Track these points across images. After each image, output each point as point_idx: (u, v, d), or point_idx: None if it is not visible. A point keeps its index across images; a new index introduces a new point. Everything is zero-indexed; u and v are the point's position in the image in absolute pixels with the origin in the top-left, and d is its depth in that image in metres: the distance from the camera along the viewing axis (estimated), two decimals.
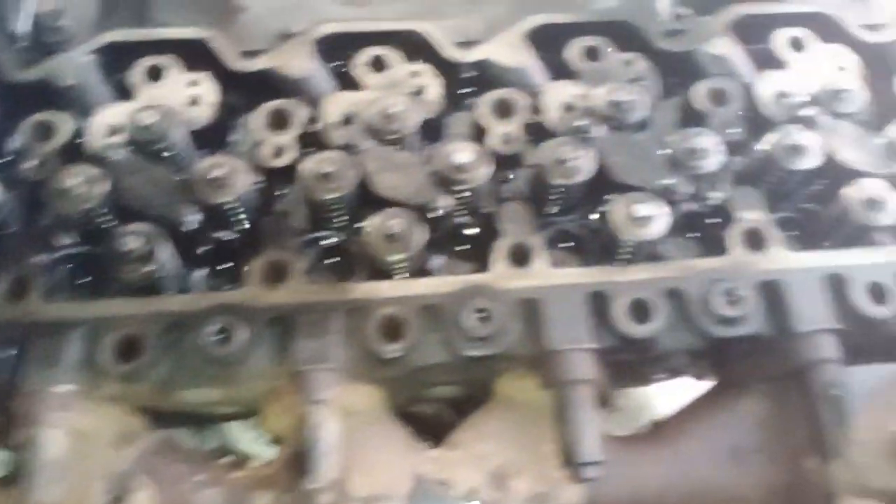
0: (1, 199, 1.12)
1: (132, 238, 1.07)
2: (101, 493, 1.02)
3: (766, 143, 1.21)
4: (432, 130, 1.26)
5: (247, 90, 1.27)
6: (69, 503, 0.99)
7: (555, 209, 1.20)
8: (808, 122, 1.22)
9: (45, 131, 1.20)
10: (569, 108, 1.24)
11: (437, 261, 1.20)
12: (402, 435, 1.15)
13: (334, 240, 1.18)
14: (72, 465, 1.01)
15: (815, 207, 1.27)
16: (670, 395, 1.51)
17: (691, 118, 1.28)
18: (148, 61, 1.25)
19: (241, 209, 1.16)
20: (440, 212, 1.14)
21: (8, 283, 1.08)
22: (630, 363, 1.19)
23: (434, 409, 1.32)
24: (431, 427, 1.27)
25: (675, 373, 1.32)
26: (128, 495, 1.02)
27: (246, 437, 1.80)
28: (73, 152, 1.19)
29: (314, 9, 1.42)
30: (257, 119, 1.22)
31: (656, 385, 1.49)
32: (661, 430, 1.19)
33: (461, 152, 1.15)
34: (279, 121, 1.22)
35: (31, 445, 0.99)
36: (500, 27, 1.35)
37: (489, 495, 1.09)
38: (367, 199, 1.16)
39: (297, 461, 1.04)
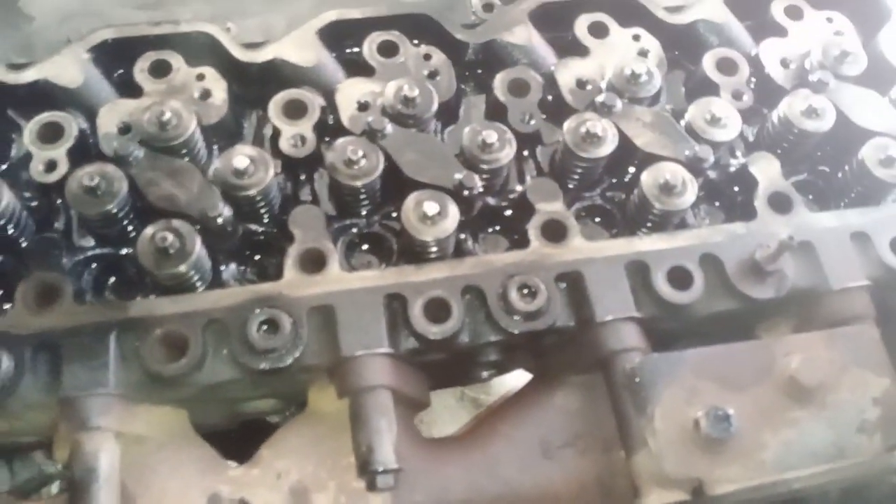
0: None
1: None
2: None
3: (564, 133, 1.20)
4: (231, 134, 1.22)
5: (22, 104, 1.19)
6: None
7: (353, 211, 1.17)
8: (603, 110, 1.22)
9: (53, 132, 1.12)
10: (362, 106, 1.21)
11: (231, 270, 1.15)
12: (200, 456, 1.08)
13: (115, 255, 1.11)
14: None
15: (621, 196, 1.26)
16: None
17: (496, 111, 1.27)
18: None
19: (8, 227, 1.08)
20: (222, 220, 1.09)
21: None
22: (443, 363, 1.16)
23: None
24: None
25: (498, 368, 1.30)
26: None
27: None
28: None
29: (104, 14, 1.35)
30: (29, 133, 1.14)
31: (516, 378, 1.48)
32: (473, 430, 1.16)
33: (240, 157, 1.09)
34: (52, 134, 1.14)
35: None
36: (302, 24, 1.32)
37: None
38: (147, 211, 1.10)
39: (77, 491, 0.97)
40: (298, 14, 1.38)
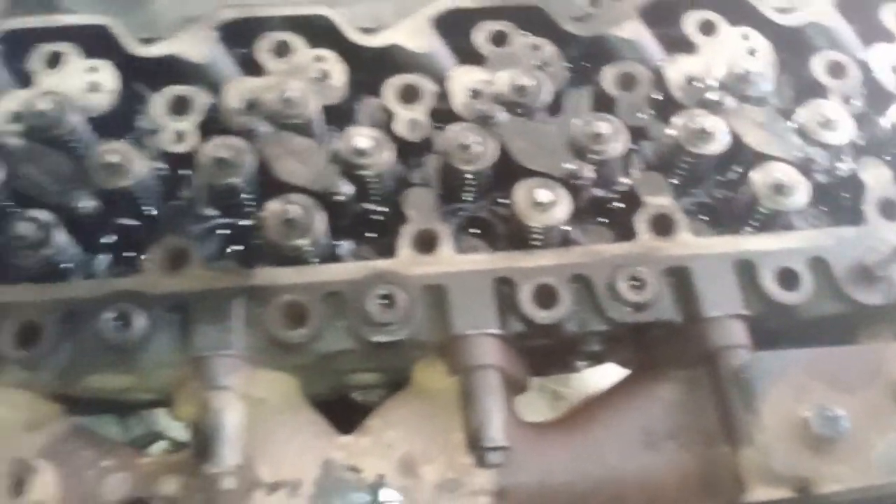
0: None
1: (25, 224, 1.04)
2: (3, 477, 1.00)
3: (673, 128, 1.22)
4: (341, 116, 1.25)
5: (150, 77, 1.24)
6: None
7: (462, 195, 1.20)
8: (714, 107, 1.23)
9: (181, 106, 1.18)
10: (474, 93, 1.24)
11: (346, 247, 1.19)
12: (313, 422, 1.13)
13: (237, 225, 1.16)
14: None
15: (727, 193, 1.27)
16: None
17: (602, 104, 1.29)
18: (46, 48, 1.22)
19: (141, 195, 1.14)
20: (343, 197, 1.13)
21: None
22: (544, 349, 1.18)
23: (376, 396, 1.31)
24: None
25: (596, 359, 1.32)
26: (29, 479, 1.00)
27: (175, 424, 1.76)
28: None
29: None
30: (158, 105, 1.19)
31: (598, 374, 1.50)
32: (573, 416, 1.19)
33: (361, 137, 1.14)
34: (180, 107, 1.20)
35: None
36: (411, 12, 1.35)
37: (398, 482, 1.08)
38: (268, 185, 1.15)
39: (203, 448, 1.02)
40: (406, 3, 1.42)
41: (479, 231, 1.21)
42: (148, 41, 1.24)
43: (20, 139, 1.12)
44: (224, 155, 1.10)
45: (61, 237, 1.08)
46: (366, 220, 1.19)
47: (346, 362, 1.14)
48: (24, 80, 1.24)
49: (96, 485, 1.06)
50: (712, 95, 1.23)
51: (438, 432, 1.11)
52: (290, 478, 1.07)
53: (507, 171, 1.18)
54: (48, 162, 1.12)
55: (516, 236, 1.16)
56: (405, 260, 1.12)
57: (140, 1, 1.40)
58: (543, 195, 1.11)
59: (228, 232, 1.16)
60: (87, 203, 1.09)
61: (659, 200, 1.19)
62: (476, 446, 1.04)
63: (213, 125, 1.20)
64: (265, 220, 1.09)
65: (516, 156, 1.16)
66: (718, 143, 1.20)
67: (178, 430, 1.80)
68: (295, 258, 1.11)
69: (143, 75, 1.25)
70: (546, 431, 1.16)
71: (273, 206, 1.10)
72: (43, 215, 1.08)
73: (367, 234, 1.20)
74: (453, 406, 1.10)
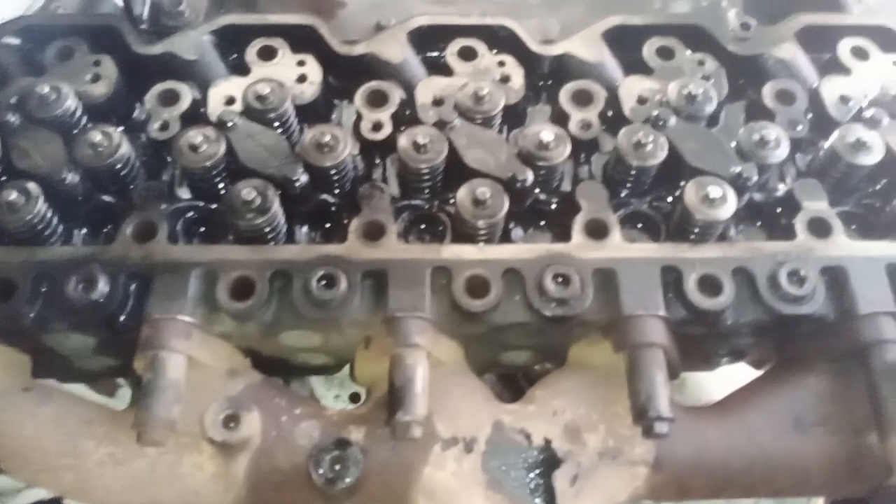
0: (129, 155, 1.25)
1: (250, 190, 1.19)
2: (216, 413, 1.12)
3: (831, 140, 1.30)
4: (514, 117, 1.38)
5: (347, 73, 1.39)
6: (185, 421, 1.10)
7: (629, 191, 1.30)
8: (871, 122, 1.31)
9: (170, 98, 1.33)
10: (642, 100, 1.35)
11: (518, 232, 1.30)
12: (481, 388, 1.24)
13: (425, 206, 1.29)
14: (188, 388, 1.12)
15: (877, 202, 1.34)
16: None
17: (757, 118, 1.37)
18: (261, 42, 1.38)
19: (343, 174, 1.27)
20: (523, 185, 1.24)
21: (135, 227, 1.21)
22: (695, 341, 1.26)
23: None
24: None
25: (738, 355, 1.39)
26: (241, 416, 1.12)
27: (329, 395, 1.89)
28: (192, 118, 1.32)
29: (405, 6, 1.55)
30: (359, 97, 1.34)
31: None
32: (727, 401, 1.26)
33: (546, 132, 1.25)
34: (377, 100, 1.34)
35: (155, 366, 1.10)
36: (575, 29, 1.47)
37: (563, 446, 1.17)
38: (455, 172, 1.27)
39: (387, 403, 1.13)
40: (571, 19, 1.55)
41: (643, 224, 1.31)
42: (351, 42, 1.39)
43: (240, 119, 1.28)
44: (423, 140, 1.23)
45: (276, 205, 1.21)
46: (538, 208, 1.30)
47: (513, 336, 1.24)
48: (232, 70, 1.41)
49: (290, 430, 1.18)
50: (870, 113, 1.31)
51: (601, 403, 1.21)
52: (465, 435, 1.18)
53: (675, 170, 1.28)
54: (264, 140, 1.27)
55: (677, 231, 1.26)
56: (577, 244, 1.22)
57: (331, 9, 1.57)
58: (715, 191, 1.20)
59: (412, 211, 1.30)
60: (300, 176, 1.23)
61: (816, 205, 1.27)
62: (643, 417, 1.12)
63: (400, 119, 1.35)
64: (459, 201, 1.22)
65: (686, 156, 1.26)
66: (874, 155, 1.28)
67: (328, 402, 1.89)
68: (480, 236, 1.23)
69: (341, 72, 1.40)
70: (702, 413, 1.24)
71: (465, 189, 1.22)
72: (264, 185, 1.21)
73: (538, 222, 1.31)
74: (615, 381, 1.19)
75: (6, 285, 1.15)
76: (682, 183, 1.25)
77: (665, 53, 1.40)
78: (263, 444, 1.15)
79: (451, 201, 1.28)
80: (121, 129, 1.27)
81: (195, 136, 1.24)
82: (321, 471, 1.09)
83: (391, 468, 1.15)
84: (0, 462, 1.15)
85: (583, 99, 1.35)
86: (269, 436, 1.16)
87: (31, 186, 1.19)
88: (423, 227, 1.30)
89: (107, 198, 1.27)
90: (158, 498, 1.15)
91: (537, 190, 1.28)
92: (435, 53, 1.42)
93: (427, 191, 1.29)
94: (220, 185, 1.28)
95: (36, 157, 1.22)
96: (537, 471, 1.16)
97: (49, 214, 1.20)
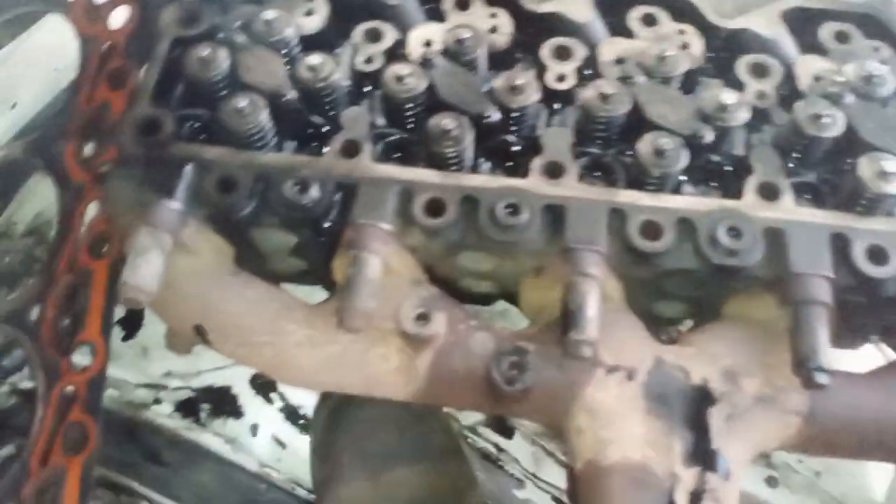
0: (340, 80, 1.38)
1: (450, 121, 1.30)
2: (410, 308, 1.24)
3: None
4: (690, 83, 1.46)
5: (533, 30, 1.50)
6: (382, 314, 1.22)
7: (799, 161, 1.36)
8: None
9: (375, 35, 1.46)
10: (818, 78, 1.41)
11: (689, 188, 1.38)
12: (641, 326, 1.32)
13: (601, 154, 1.38)
14: (383, 289, 1.24)
15: None
16: None
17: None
18: None
19: (528, 117, 1.38)
20: (702, 142, 1.32)
21: (342, 144, 1.34)
22: (855, 310, 1.30)
23: None
24: None
25: (889, 332, 1.42)
26: (430, 315, 1.24)
27: None
28: (393, 56, 1.45)
29: None
30: (545, 50, 1.44)
31: None
32: (881, 370, 1.31)
33: (728, 94, 1.33)
34: (562, 54, 1.44)
35: (357, 265, 1.22)
36: (748, 9, 1.54)
37: (720, 387, 1.24)
38: (634, 125, 1.36)
39: (561, 324, 1.22)
40: (745, 1, 1.62)
41: (808, 196, 1.37)
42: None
43: (440, 58, 1.40)
44: (610, 91, 1.33)
45: (470, 137, 1.32)
46: (710, 168, 1.38)
47: (675, 284, 1.32)
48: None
49: (467, 337, 1.29)
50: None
51: (759, 354, 1.27)
52: (627, 364, 1.26)
53: (855, 145, 1.33)
54: (462, 79, 1.38)
55: (847, 202, 1.31)
56: (749, 203, 1.29)
57: None
58: (891, 166, 1.26)
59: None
60: (493, 114, 1.34)
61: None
62: (804, 367, 1.18)
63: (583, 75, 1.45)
64: (639, 150, 1.31)
65: (864, 134, 1.31)
66: None
67: None
68: (654, 185, 1.32)
69: (527, 28, 1.51)
70: (857, 377, 1.29)
71: (648, 138, 1.31)
72: (461, 119, 1.33)
73: (710, 182, 1.39)
74: (775, 335, 1.25)
75: (228, 181, 1.30)
76: (853, 159, 1.31)
77: (841, 37, 1.46)
78: (443, 346, 1.26)
79: (628, 152, 1.38)
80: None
81: (402, 68, 1.36)
82: (501, 371, 1.20)
83: (557, 383, 1.24)
84: (207, 333, 1.30)
85: (760, 71, 1.42)
86: (449, 340, 1.26)
87: (258, 97, 1.34)
88: (597, 174, 1.39)
89: (316, 117, 1.41)
90: (344, 381, 1.27)
91: (712, 150, 1.36)
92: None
93: (605, 139, 1.38)
94: (416, 116, 1.40)
95: (261, 74, 1.37)
96: (694, 406, 1.23)
97: (269, 125, 1.35)
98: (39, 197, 1.74)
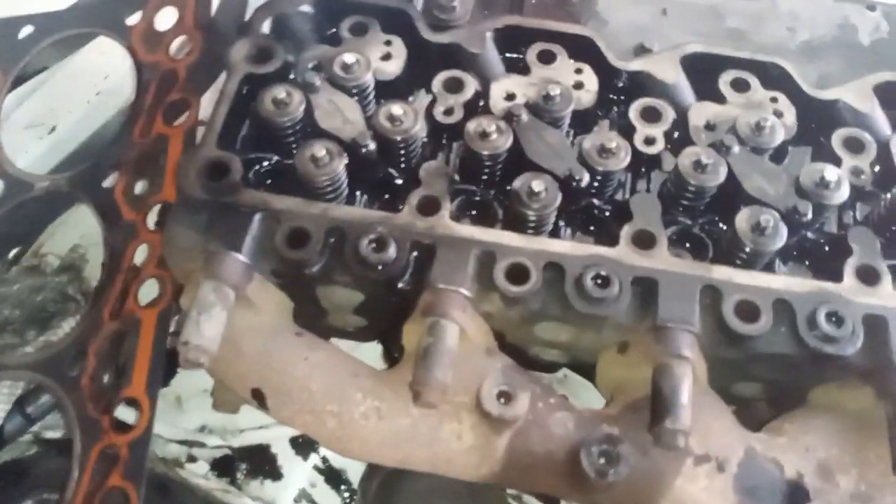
0: (421, 132, 1.31)
1: (538, 183, 1.23)
2: (492, 386, 1.16)
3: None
4: (780, 154, 1.40)
5: (619, 88, 1.44)
6: (455, 386, 1.13)
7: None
8: None
9: (455, 86, 1.39)
10: None
11: (782, 266, 1.32)
12: (728, 411, 1.24)
13: (690, 223, 1.32)
14: (457, 358, 1.15)
15: None
16: None
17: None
18: (540, 46, 1.44)
19: (616, 181, 1.32)
20: (801, 219, 1.26)
21: (420, 200, 1.26)
22: None
23: None
24: None
25: None
26: (513, 394, 1.15)
27: None
28: (473, 108, 1.38)
29: (665, 33, 1.60)
30: (633, 111, 1.38)
31: None
32: None
33: (830, 170, 1.27)
34: (651, 115, 1.38)
35: (436, 332, 1.14)
36: (832, 81, 1.49)
37: (815, 483, 1.16)
38: (729, 196, 1.30)
39: (652, 410, 1.14)
40: (828, 70, 1.58)
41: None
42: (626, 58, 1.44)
43: (525, 114, 1.33)
44: (706, 161, 1.26)
45: (558, 199, 1.25)
46: (806, 245, 1.31)
47: (764, 367, 1.24)
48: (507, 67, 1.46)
49: (546, 416, 1.20)
50: None
51: (853, 448, 1.20)
52: (718, 454, 1.18)
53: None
54: (547, 136, 1.31)
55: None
56: (850, 287, 1.22)
57: (594, 24, 1.63)
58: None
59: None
60: (583, 176, 1.27)
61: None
62: None
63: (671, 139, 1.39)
64: (738, 225, 1.23)
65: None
66: None
67: None
68: (747, 260, 1.24)
69: (612, 85, 1.44)
70: None
71: (746, 214, 1.24)
72: (549, 179, 1.25)
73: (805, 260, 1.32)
74: (870, 427, 1.19)
75: (300, 234, 1.21)
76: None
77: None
78: (522, 426, 1.17)
79: (720, 224, 1.31)
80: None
81: (489, 124, 1.29)
82: (592, 461, 1.11)
83: (644, 473, 1.15)
84: (266, 398, 1.20)
85: (854, 146, 1.37)
86: (527, 419, 1.18)
87: (336, 147, 1.26)
88: (687, 245, 1.33)
89: (392, 169, 1.33)
90: (412, 457, 1.18)
91: (808, 228, 1.30)
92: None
93: (693, 208, 1.31)
94: (494, 173, 1.33)
95: (339, 121, 1.29)
96: (787, 502, 1.16)
97: (344, 175, 1.27)
98: (74, 227, 1.65)
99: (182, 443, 1.55)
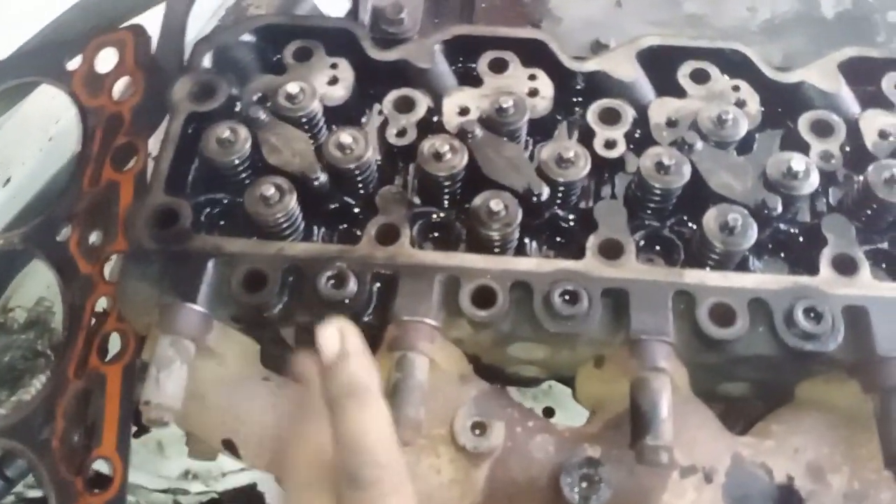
0: (374, 158, 1.27)
1: (498, 202, 1.19)
2: (465, 419, 1.13)
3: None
4: (745, 144, 1.35)
5: (576, 90, 1.40)
6: (432, 422, 1.10)
7: (871, 227, 1.26)
8: None
9: (407, 105, 1.35)
10: (884, 135, 1.30)
11: (757, 262, 1.27)
12: (712, 418, 1.21)
13: (657, 226, 1.28)
14: (429, 390, 1.12)
15: None
16: None
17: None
18: (492, 55, 1.39)
19: (577, 189, 1.27)
20: (770, 213, 1.22)
21: (378, 229, 1.22)
22: None
23: None
24: None
25: None
26: (488, 424, 1.12)
27: None
28: (427, 126, 1.34)
29: (622, 26, 1.55)
30: (591, 113, 1.34)
31: None
32: None
33: (797, 160, 1.23)
34: (610, 117, 1.34)
35: (404, 367, 1.10)
36: (797, 60, 1.45)
37: (805, 486, 1.13)
38: (695, 194, 1.26)
39: (631, 426, 1.11)
40: (792, 48, 1.54)
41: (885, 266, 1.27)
42: (580, 59, 1.39)
43: (479, 129, 1.29)
44: (667, 162, 1.22)
45: (518, 217, 1.21)
46: (779, 238, 1.27)
47: (746, 368, 1.20)
48: (460, 79, 1.41)
49: (526, 441, 1.17)
50: None
51: (843, 445, 1.17)
52: (704, 464, 1.15)
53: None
54: (503, 151, 1.26)
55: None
56: (826, 279, 1.18)
57: (546, 25, 1.58)
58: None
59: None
60: (543, 191, 1.23)
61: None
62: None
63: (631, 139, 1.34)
64: (706, 227, 1.19)
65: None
66: None
67: None
68: (719, 260, 1.21)
69: (569, 88, 1.39)
70: None
71: (713, 213, 1.20)
72: (509, 198, 1.21)
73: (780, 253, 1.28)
74: (859, 422, 1.16)
75: (256, 277, 1.17)
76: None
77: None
78: (501, 454, 1.14)
79: (686, 223, 1.28)
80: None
81: (442, 144, 1.25)
82: (573, 487, 1.08)
83: (629, 492, 1.12)
84: (238, 448, 1.18)
85: (822, 129, 1.32)
86: (506, 446, 1.15)
87: (285, 183, 1.22)
88: (657, 248, 1.29)
89: (347, 198, 1.29)
90: None
91: (780, 220, 1.26)
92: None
93: (660, 210, 1.28)
94: (453, 193, 1.29)
95: (287, 154, 1.25)
96: None
97: (297, 211, 1.23)
98: (37, 281, 1.61)
99: (165, 491, 1.53)
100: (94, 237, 1.35)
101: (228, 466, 1.55)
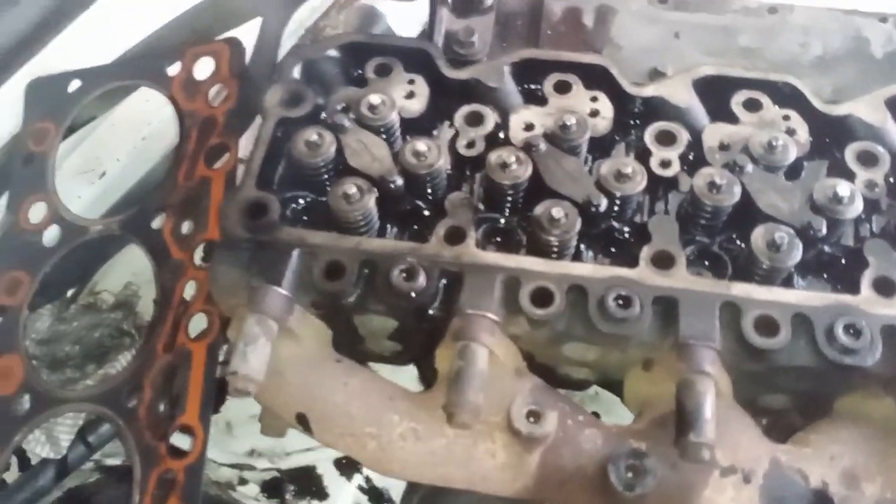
0: (445, 166, 1.38)
1: (559, 209, 1.29)
2: (521, 406, 1.22)
3: None
4: (794, 170, 1.44)
5: (634, 113, 1.50)
6: (487, 407, 1.19)
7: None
8: None
9: (476, 119, 1.46)
10: None
11: (801, 281, 1.35)
12: (755, 424, 1.28)
13: (708, 242, 1.37)
14: (488, 380, 1.21)
15: None
16: None
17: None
18: (556, 77, 1.50)
19: (633, 204, 1.37)
20: (816, 235, 1.30)
21: (446, 231, 1.33)
22: None
23: None
24: None
25: None
26: (542, 413, 1.21)
27: None
28: (494, 140, 1.45)
29: (680, 55, 1.65)
30: (648, 135, 1.44)
31: None
32: None
33: (843, 186, 1.31)
34: (666, 138, 1.43)
35: (467, 356, 1.20)
36: (847, 93, 1.53)
37: (840, 491, 1.20)
38: (744, 215, 1.34)
39: (676, 424, 1.18)
40: (842, 83, 1.61)
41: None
42: (638, 84, 1.49)
43: (543, 144, 1.39)
44: (720, 182, 1.31)
45: (577, 224, 1.31)
46: (824, 259, 1.35)
47: (787, 379, 1.28)
48: (525, 98, 1.52)
49: (576, 433, 1.26)
50: None
51: (878, 456, 1.23)
52: (743, 466, 1.22)
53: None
54: (568, 164, 1.37)
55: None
56: (867, 298, 1.25)
57: (608, 51, 1.69)
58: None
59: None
60: (601, 202, 1.33)
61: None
62: None
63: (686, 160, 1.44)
64: (753, 243, 1.28)
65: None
66: None
67: None
68: (765, 276, 1.29)
69: (628, 111, 1.49)
70: None
71: (760, 232, 1.29)
72: (570, 207, 1.31)
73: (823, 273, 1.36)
74: (891, 434, 1.23)
75: (336, 267, 1.29)
76: None
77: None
78: (553, 443, 1.23)
79: (735, 241, 1.36)
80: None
81: (508, 155, 1.36)
82: (620, 475, 1.16)
83: (672, 486, 1.20)
84: (310, 423, 1.28)
85: (868, 160, 1.40)
86: (558, 436, 1.23)
87: (365, 184, 1.34)
88: (706, 263, 1.37)
89: (419, 201, 1.41)
90: (449, 476, 1.25)
91: (824, 242, 1.33)
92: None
93: (710, 227, 1.36)
94: (516, 201, 1.40)
95: (367, 159, 1.37)
96: None
97: (374, 210, 1.35)
98: (126, 266, 1.76)
99: (233, 466, 1.63)
100: (186, 227, 1.49)
101: (292, 446, 1.65)
